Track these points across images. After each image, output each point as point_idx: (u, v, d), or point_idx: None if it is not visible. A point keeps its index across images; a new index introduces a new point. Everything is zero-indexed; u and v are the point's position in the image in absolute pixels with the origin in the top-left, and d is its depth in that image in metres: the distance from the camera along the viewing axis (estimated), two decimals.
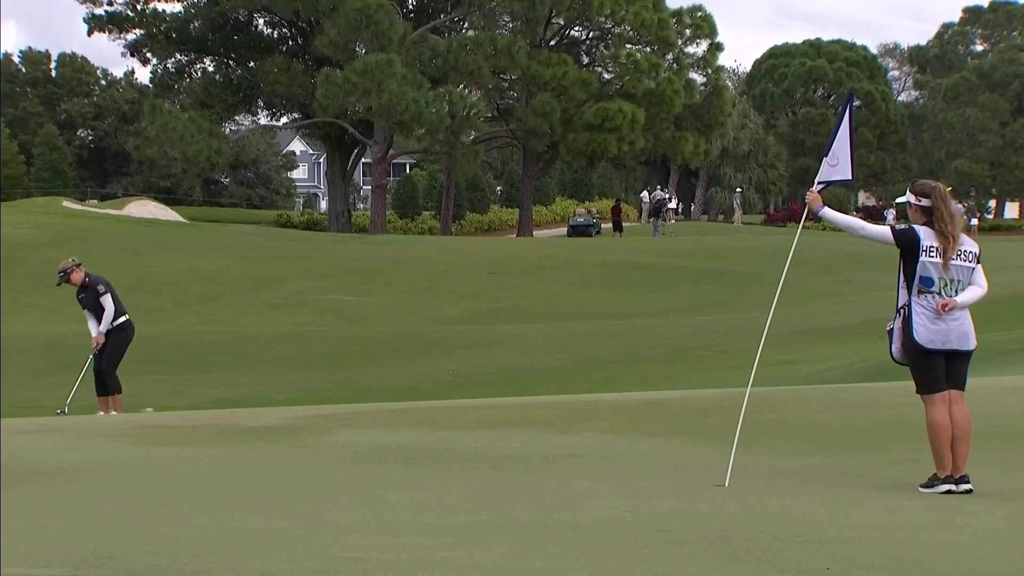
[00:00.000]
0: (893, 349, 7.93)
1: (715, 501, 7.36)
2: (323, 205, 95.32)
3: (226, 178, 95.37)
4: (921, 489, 7.84)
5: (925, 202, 7.92)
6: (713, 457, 8.93)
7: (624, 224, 64.57)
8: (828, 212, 8.04)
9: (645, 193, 76.33)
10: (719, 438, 9.27)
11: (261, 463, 9.54)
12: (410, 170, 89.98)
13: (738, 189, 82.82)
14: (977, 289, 7.92)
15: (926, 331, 7.81)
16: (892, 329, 7.94)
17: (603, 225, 66.96)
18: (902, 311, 7.87)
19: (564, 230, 68.82)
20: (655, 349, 25.14)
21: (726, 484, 7.91)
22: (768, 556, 5.61)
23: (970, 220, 72.78)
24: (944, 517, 6.88)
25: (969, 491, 7.69)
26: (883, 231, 7.98)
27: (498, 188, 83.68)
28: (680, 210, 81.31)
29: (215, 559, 5.50)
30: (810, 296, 34.52)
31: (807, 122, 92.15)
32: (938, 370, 7.82)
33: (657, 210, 63.90)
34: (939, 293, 7.80)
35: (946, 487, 7.74)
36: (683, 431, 10.86)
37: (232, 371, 23.36)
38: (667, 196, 70.34)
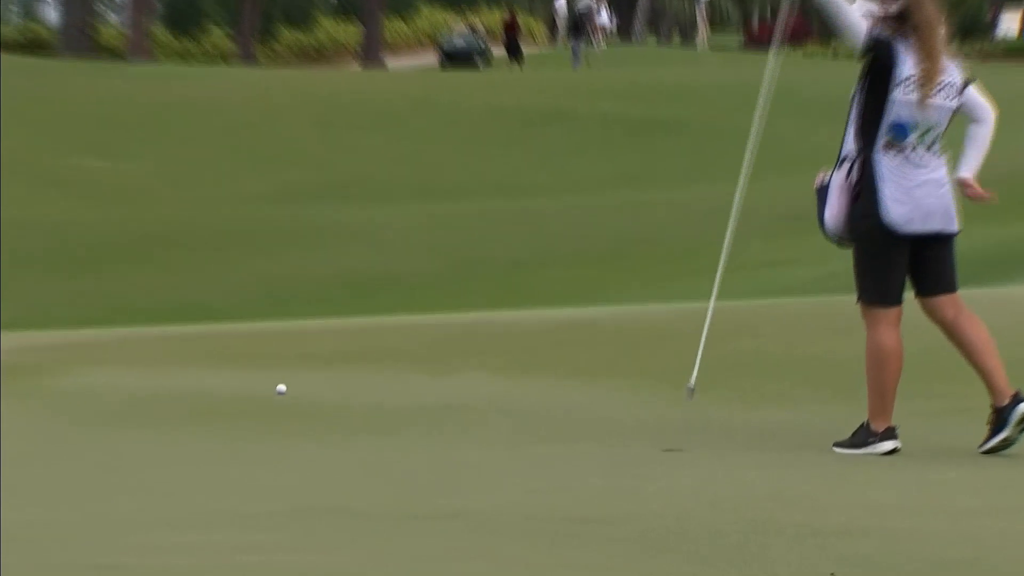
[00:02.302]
0: (827, 215, 8.02)
1: (666, 476, 7.56)
2: (52, 15, 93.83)
3: None
4: (839, 449, 8.06)
5: (895, 7, 8.01)
6: (663, 409, 9.15)
7: (525, 48, 64.42)
8: None
9: (562, 0, 76.30)
10: (673, 380, 9.49)
11: None
12: None
13: None
14: (984, 128, 8.08)
15: (900, 207, 7.94)
16: (827, 186, 8.02)
17: (494, 51, 66.97)
18: (851, 166, 7.97)
19: (434, 58, 68.71)
20: (577, 243, 25.40)
21: (682, 449, 8.15)
22: (746, 556, 5.81)
23: None
24: (999, 496, 7.13)
25: None
26: (857, 23, 8.03)
27: None
28: (615, 27, 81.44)
29: None
30: (813, 159, 34.75)
31: None
32: (902, 269, 8.05)
33: (579, 26, 63.91)
34: (913, 148, 7.96)
35: (891, 445, 7.97)
36: (619, 369, 11.08)
37: None
38: (594, 5, 70.40)
